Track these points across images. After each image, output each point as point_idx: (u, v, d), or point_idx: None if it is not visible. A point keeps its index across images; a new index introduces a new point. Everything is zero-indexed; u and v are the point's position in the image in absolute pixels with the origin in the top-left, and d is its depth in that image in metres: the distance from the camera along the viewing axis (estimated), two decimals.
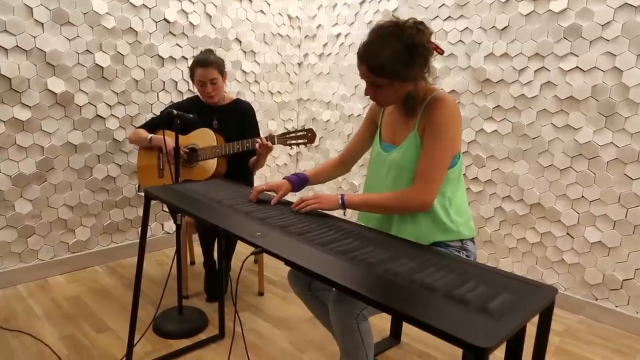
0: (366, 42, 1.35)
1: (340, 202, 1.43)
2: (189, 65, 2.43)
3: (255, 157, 2.43)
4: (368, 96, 1.43)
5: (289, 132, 2.23)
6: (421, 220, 1.42)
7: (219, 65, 2.36)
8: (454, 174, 1.43)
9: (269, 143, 2.23)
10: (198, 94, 2.45)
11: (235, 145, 2.26)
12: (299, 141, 2.21)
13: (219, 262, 2.05)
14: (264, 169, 3.59)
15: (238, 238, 1.21)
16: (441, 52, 1.37)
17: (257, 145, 2.22)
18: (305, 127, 2.20)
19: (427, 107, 1.39)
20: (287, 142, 2.23)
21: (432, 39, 1.35)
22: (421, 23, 1.33)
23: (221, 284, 2.01)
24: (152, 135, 2.38)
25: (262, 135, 2.31)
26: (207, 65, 2.31)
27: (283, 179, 1.62)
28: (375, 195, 1.44)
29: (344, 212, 1.48)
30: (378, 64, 1.32)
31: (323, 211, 1.46)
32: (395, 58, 1.30)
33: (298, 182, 1.62)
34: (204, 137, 2.35)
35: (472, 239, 1.49)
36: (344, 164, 1.75)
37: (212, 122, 2.43)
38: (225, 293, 2.18)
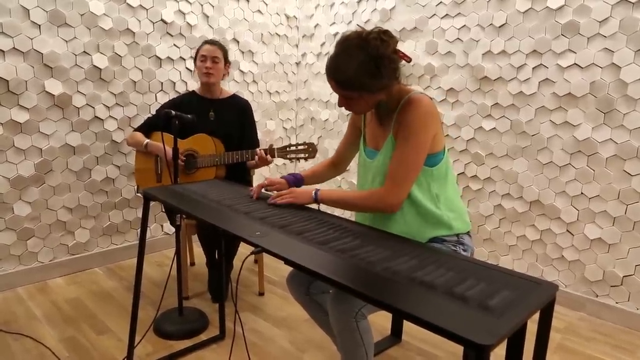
0: (333, 55, 1.36)
1: (313, 196, 1.47)
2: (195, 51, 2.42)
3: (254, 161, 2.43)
4: (342, 107, 1.44)
5: (289, 146, 2.21)
6: (410, 218, 1.43)
7: (225, 51, 2.41)
8: (440, 171, 1.43)
9: (269, 157, 2.22)
10: (196, 84, 2.42)
11: (235, 155, 2.26)
12: (299, 155, 2.20)
13: (218, 264, 2.05)
14: (262, 168, 3.59)
15: (237, 238, 1.21)
16: (408, 60, 1.37)
17: (256, 158, 2.22)
18: (307, 142, 2.20)
19: (401, 110, 1.39)
20: (287, 156, 2.22)
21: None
22: (385, 33, 1.32)
23: (223, 286, 2.00)
24: (148, 140, 2.36)
25: (260, 141, 2.29)
26: (214, 43, 2.38)
27: (281, 177, 1.68)
28: (349, 192, 1.48)
29: (318, 207, 1.51)
30: (345, 78, 1.33)
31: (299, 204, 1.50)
32: (362, 71, 1.30)
33: (293, 181, 1.68)
34: (202, 144, 2.34)
35: (468, 233, 1.49)
36: (336, 166, 1.79)
37: (209, 114, 2.42)
38: (225, 297, 2.17)
